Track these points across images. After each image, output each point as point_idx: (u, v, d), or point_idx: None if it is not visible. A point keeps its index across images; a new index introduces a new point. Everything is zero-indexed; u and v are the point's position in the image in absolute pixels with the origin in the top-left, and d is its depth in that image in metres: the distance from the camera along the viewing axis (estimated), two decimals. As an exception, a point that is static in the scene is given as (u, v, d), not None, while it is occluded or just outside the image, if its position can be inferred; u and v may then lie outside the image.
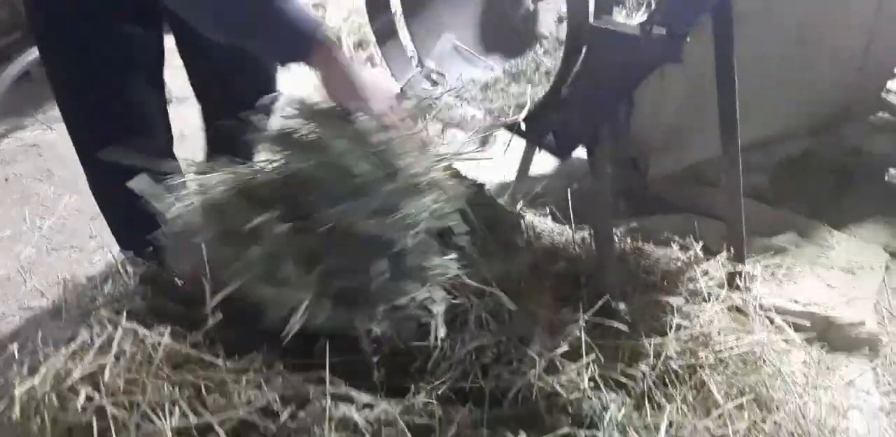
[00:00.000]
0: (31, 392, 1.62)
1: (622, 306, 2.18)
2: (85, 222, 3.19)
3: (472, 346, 1.82)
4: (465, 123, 2.23)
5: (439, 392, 1.75)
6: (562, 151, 2.18)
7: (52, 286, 2.61)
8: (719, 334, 2.26)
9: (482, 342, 1.81)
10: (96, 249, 2.93)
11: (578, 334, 1.98)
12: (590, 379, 1.92)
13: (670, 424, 2.01)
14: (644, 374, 2.09)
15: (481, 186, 2.31)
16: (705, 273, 2.47)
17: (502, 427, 1.80)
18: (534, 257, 2.24)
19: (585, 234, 2.62)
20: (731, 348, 2.24)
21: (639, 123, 3.19)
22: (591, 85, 1.96)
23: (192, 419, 1.59)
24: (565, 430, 1.80)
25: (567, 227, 2.68)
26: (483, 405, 1.81)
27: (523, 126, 2.13)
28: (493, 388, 1.83)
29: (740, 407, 2.13)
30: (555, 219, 2.78)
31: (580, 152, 2.12)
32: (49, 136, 4.03)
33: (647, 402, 2.05)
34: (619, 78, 1.95)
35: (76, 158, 2.30)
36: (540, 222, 2.73)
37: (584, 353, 1.92)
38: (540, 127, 2.15)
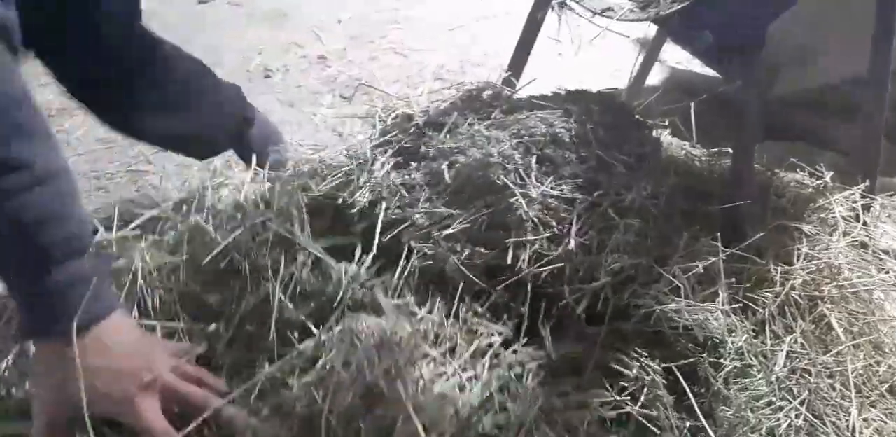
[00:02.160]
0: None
1: (754, 230, 2.05)
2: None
3: (612, 266, 1.72)
4: (610, 12, 2.01)
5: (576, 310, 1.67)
6: (717, 53, 1.97)
7: (156, 153, 2.55)
8: (846, 269, 2.14)
9: (623, 262, 1.70)
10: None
11: (712, 257, 1.88)
12: (718, 302, 1.83)
13: (788, 354, 1.94)
14: (766, 301, 2.00)
15: (611, 93, 2.13)
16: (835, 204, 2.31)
17: (629, 344, 1.74)
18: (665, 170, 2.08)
19: (707, 151, 2.46)
20: (855, 285, 2.12)
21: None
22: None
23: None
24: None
25: (686, 143, 2.52)
26: (610, 322, 1.75)
27: (677, 21, 1.91)
28: (624, 305, 1.75)
29: (857, 347, 2.04)
30: (674, 133, 2.60)
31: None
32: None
33: (767, 330, 1.98)
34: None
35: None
36: (658, 135, 2.56)
37: (720, 276, 1.82)
38: (696, 23, 1.93)
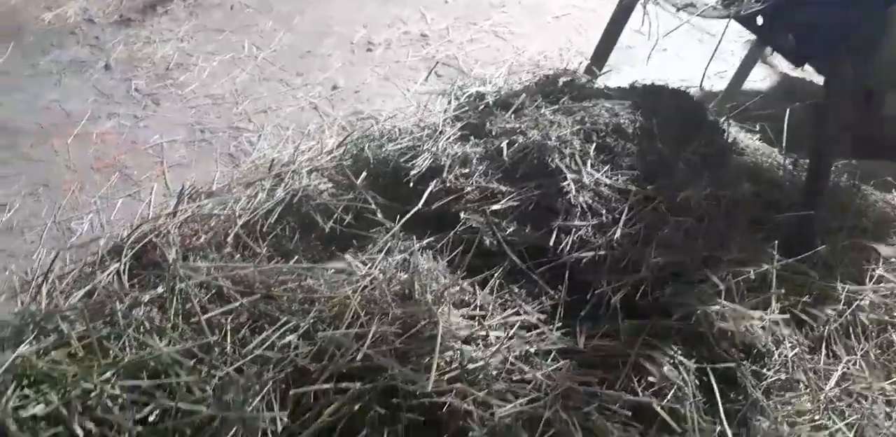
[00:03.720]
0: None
1: (822, 244, 1.96)
2: (295, 59, 3.31)
3: (656, 261, 1.69)
4: (691, 9, 1.96)
5: (612, 300, 1.66)
6: (799, 56, 1.87)
7: (257, 113, 2.74)
8: (925, 296, 2.00)
9: (668, 258, 1.67)
10: (301, 85, 3.01)
11: (767, 267, 1.81)
12: (769, 311, 1.77)
13: (843, 375, 1.85)
14: (828, 319, 1.90)
15: (686, 92, 2.07)
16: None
17: (665, 340, 1.71)
18: (734, 173, 2.02)
19: (794, 160, 2.35)
20: (933, 314, 1.99)
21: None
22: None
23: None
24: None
25: (776, 149, 2.41)
26: (648, 317, 1.72)
27: (760, 20, 1.84)
28: (665, 302, 1.72)
29: (923, 378, 1.92)
30: (763, 138, 2.50)
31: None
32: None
33: (823, 348, 1.89)
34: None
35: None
36: (746, 138, 2.46)
37: (772, 285, 1.76)
38: (780, 23, 1.85)
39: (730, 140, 1.96)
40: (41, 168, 2.29)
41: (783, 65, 3.46)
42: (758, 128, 2.48)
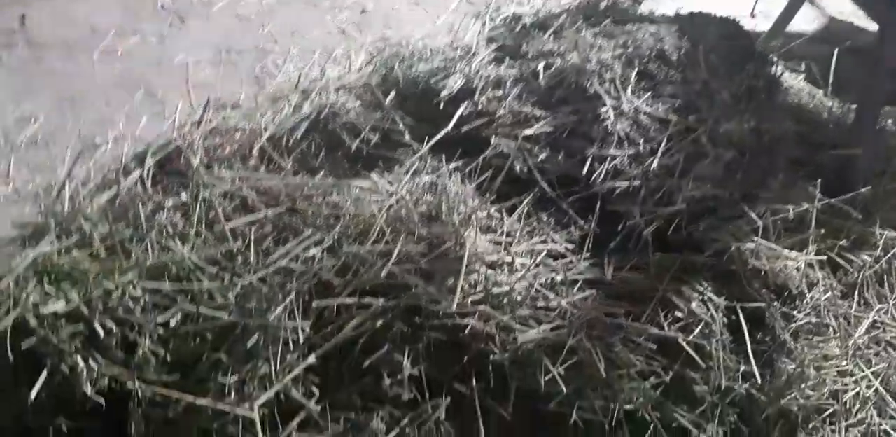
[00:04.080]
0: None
1: (865, 188, 1.89)
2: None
3: (692, 193, 1.63)
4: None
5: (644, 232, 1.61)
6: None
7: (284, 35, 2.67)
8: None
9: (705, 192, 1.61)
10: (329, 8, 2.92)
11: (807, 206, 1.75)
12: (805, 252, 1.72)
13: (874, 323, 1.80)
14: (864, 264, 1.85)
15: (735, 21, 1.97)
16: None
17: (696, 276, 1.67)
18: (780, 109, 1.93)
19: (838, 103, 2.26)
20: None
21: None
22: None
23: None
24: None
25: (820, 91, 2.32)
26: (680, 252, 1.68)
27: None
28: (699, 237, 1.67)
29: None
30: (809, 79, 2.40)
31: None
32: None
33: (856, 294, 1.84)
34: None
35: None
36: (790, 78, 2.36)
37: (810, 226, 1.70)
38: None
39: (778, 76, 1.87)
40: (67, 82, 2.25)
41: (831, 7, 3.31)
42: (803, 68, 2.39)
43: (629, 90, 1.62)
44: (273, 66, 2.43)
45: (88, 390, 1.19)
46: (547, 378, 1.39)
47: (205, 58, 2.44)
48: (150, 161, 1.49)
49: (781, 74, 1.99)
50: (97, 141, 2.05)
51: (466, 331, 1.42)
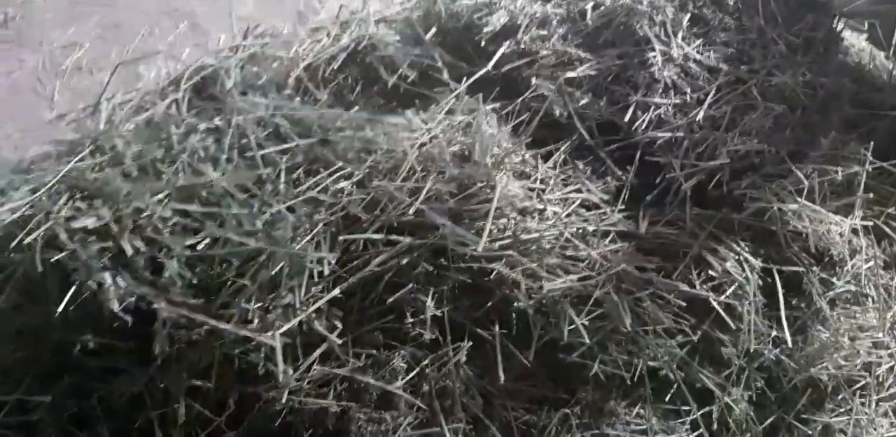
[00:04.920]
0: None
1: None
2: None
3: (737, 148, 1.56)
4: None
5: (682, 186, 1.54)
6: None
7: None
8: None
9: (751, 147, 1.54)
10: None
11: (857, 169, 1.66)
12: (851, 217, 1.64)
13: (917, 297, 1.73)
14: (912, 233, 1.76)
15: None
16: None
17: (733, 235, 1.61)
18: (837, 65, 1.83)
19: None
20: None
21: None
22: None
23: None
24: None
25: (883, 52, 2.19)
26: (719, 209, 1.62)
27: None
28: (740, 195, 1.61)
29: None
30: (871, 40, 2.26)
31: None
32: None
33: (902, 264, 1.76)
34: None
35: None
36: (852, 37, 2.23)
37: (859, 189, 1.62)
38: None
39: (839, 30, 1.76)
40: (112, 10, 2.24)
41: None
42: (866, 27, 2.25)
43: (680, 35, 1.54)
44: (317, 1, 2.38)
45: (115, 306, 1.19)
46: (570, 328, 1.35)
47: (251, -9, 2.40)
48: (185, 85, 1.46)
49: (843, 29, 1.87)
50: (140, 70, 2.04)
51: (492, 276, 1.39)
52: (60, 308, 1.18)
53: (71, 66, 2.05)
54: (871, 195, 1.64)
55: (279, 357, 1.23)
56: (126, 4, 2.28)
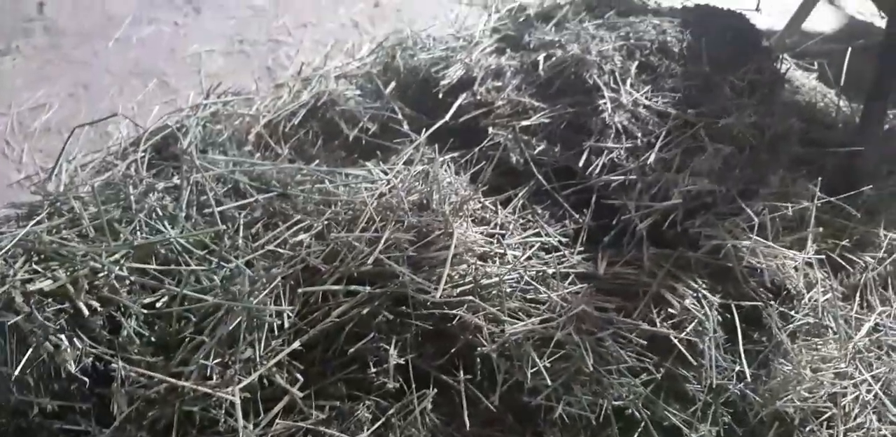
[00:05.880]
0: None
1: (868, 189, 1.82)
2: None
3: (688, 188, 1.58)
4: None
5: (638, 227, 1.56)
6: None
7: (297, 27, 2.67)
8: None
9: (702, 187, 1.56)
10: (343, 1, 2.90)
11: (807, 204, 1.69)
12: (804, 251, 1.66)
13: (876, 326, 1.74)
14: (867, 266, 1.78)
15: (741, 14, 1.90)
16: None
17: (690, 273, 1.62)
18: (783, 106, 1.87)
19: (848, 103, 2.19)
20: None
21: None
22: None
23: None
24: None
25: (833, 90, 2.24)
26: (675, 248, 1.63)
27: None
28: (694, 233, 1.62)
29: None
30: (821, 79, 2.32)
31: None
32: None
33: (857, 296, 1.77)
34: None
35: None
36: (802, 76, 2.29)
37: (809, 224, 1.63)
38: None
39: (783, 72, 1.80)
40: (82, 70, 2.26)
41: (850, 6, 3.22)
42: (815, 66, 2.31)
43: (629, 82, 1.57)
44: (285, 57, 2.41)
45: (72, 368, 1.18)
46: (534, 371, 1.35)
47: (218, 48, 2.43)
48: (144, 145, 1.47)
49: (788, 69, 1.92)
50: (109, 130, 2.05)
51: (454, 322, 1.39)
52: (16, 371, 1.16)
53: (40, 127, 2.05)
54: (822, 230, 1.66)
55: (238, 413, 1.21)
56: (96, 64, 2.30)
